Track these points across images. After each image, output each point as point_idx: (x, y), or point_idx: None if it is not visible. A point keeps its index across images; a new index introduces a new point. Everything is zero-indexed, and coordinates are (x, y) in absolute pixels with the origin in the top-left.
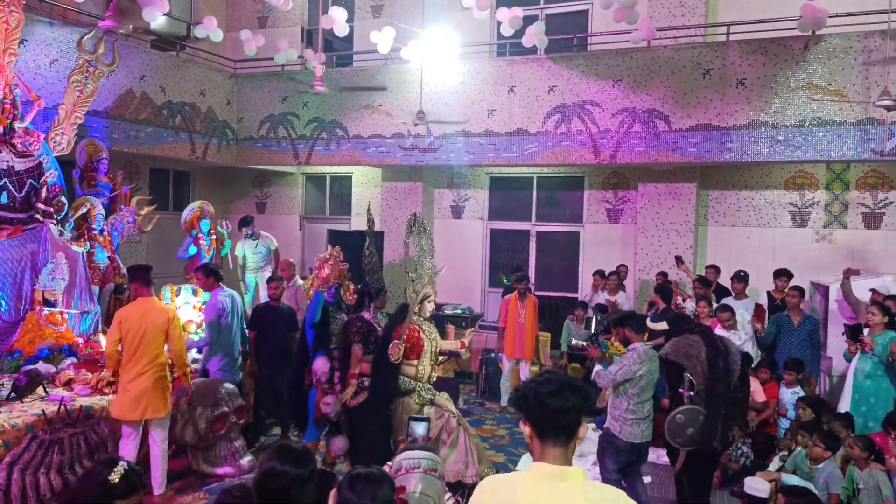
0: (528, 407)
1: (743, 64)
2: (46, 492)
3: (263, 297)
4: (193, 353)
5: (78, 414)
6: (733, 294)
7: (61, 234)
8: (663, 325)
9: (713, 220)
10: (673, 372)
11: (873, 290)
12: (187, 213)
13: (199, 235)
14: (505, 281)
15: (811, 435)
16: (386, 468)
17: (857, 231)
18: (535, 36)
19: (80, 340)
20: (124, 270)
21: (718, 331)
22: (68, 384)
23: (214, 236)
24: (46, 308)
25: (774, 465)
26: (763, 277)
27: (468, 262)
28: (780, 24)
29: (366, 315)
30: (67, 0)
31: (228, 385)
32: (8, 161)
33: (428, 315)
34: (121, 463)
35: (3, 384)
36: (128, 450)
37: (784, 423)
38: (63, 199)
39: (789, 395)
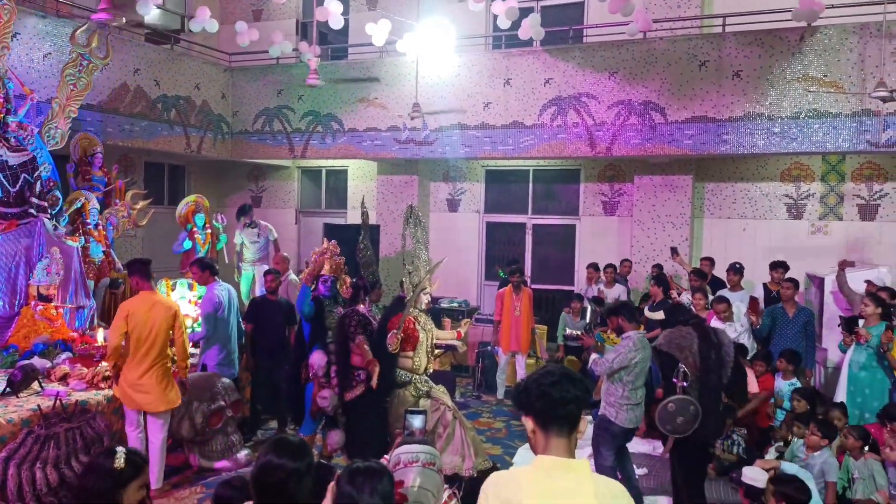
0: (530, 399)
1: (739, 56)
2: (42, 486)
3: (260, 290)
4: (190, 348)
5: (73, 409)
6: (728, 286)
7: (56, 228)
8: (660, 315)
9: (709, 213)
10: (667, 362)
11: (868, 282)
12: (182, 208)
13: (195, 229)
14: (501, 274)
15: (806, 426)
16: (383, 462)
17: (853, 222)
18: (531, 28)
19: (76, 335)
20: (119, 265)
21: (714, 322)
22: (64, 379)
23: (209, 230)
24: (41, 303)
25: (771, 455)
26: (759, 269)
27: (464, 255)
28: (775, 16)
29: (361, 309)
30: None
31: (225, 379)
32: (1, 155)
33: (423, 307)
34: (118, 449)
35: None
36: (133, 437)
37: (780, 415)
38: (57, 193)
39: (785, 386)
